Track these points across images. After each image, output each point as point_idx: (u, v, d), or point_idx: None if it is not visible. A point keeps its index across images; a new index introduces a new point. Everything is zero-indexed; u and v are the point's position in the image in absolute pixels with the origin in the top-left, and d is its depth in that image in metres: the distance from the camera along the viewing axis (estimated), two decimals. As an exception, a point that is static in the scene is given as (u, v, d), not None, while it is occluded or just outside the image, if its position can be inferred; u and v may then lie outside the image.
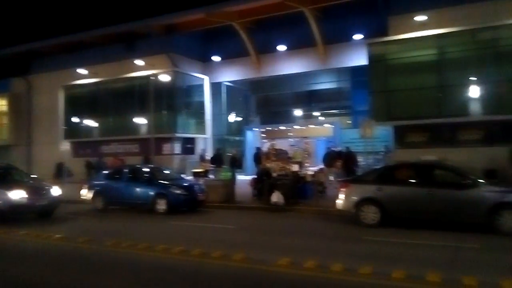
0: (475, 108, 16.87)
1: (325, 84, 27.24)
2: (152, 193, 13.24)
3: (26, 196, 11.97)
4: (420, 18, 18.17)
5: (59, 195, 13.04)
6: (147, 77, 23.20)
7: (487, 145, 16.28)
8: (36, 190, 12.66)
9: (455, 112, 17.00)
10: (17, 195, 11.89)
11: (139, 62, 23.75)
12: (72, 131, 27.25)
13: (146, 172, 14.41)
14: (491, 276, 5.99)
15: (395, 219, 10.00)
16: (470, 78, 16.99)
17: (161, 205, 13.04)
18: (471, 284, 5.68)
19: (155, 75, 22.54)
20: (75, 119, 27.03)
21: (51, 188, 12.97)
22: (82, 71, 26.47)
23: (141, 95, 23.98)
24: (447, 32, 17.59)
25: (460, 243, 8.32)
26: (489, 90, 16.69)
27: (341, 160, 17.19)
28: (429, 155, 15.14)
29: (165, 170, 15.95)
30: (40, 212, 12.60)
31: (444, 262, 7.04)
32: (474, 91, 16.74)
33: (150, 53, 24.24)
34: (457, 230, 9.23)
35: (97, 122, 26.26)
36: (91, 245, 8.87)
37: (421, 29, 18.17)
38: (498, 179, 12.03)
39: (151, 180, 13.75)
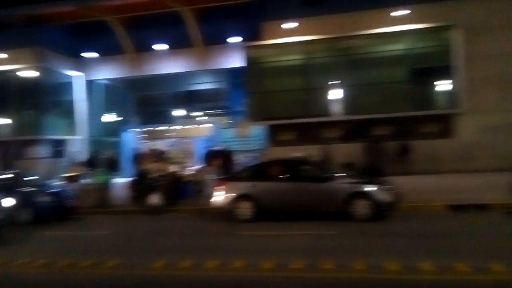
0: (336, 109, 18.93)
1: (205, 84, 27.55)
2: (12, 202, 11.93)
3: None
4: (290, 25, 19.57)
5: (13, 205, 10.80)
6: (8, 72, 20.78)
7: (346, 142, 18.37)
8: None
9: (319, 112, 18.86)
10: None
11: (-3, 55, 21.05)
12: None
13: (4, 179, 12.93)
14: (345, 259, 6.78)
15: (269, 213, 10.61)
16: (332, 82, 18.96)
17: (25, 215, 11.77)
18: (329, 268, 6.39)
19: (18, 70, 20.30)
20: None
21: (2, 198, 10.50)
22: None
23: (1, 93, 21.36)
24: (313, 39, 19.35)
25: (321, 231, 9.22)
26: (348, 93, 18.87)
27: (220, 159, 17.63)
28: (298, 152, 16.45)
29: (29, 175, 14.50)
30: None
31: (307, 249, 7.76)
32: (336, 94, 18.77)
33: (12, 46, 21.55)
34: (320, 219, 10.15)
35: None
36: None
37: (292, 35, 19.63)
38: (354, 172, 13.61)
39: (10, 188, 12.36)
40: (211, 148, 19.36)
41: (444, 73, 18.53)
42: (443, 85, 19.00)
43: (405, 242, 7.95)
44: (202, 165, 18.62)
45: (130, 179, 15.50)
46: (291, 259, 6.80)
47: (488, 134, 17.51)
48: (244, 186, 10.84)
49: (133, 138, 25.16)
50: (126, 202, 14.38)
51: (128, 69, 23.93)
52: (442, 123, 18.62)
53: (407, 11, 18.24)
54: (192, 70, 24.04)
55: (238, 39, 21.88)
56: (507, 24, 17.84)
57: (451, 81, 18.52)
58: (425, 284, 5.72)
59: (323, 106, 19.00)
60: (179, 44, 22.83)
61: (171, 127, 26.11)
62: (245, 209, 10.67)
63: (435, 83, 19.26)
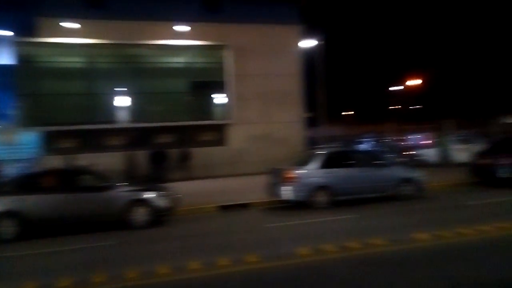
0: (121, 116, 18.78)
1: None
2: None
3: None
4: (71, 25, 18.37)
5: None
6: None
7: (130, 149, 18.41)
8: None
9: (103, 119, 18.37)
10: None
11: None
12: None
13: None
14: (119, 269, 6.74)
15: (41, 228, 9.77)
16: (117, 89, 18.74)
17: None
18: (100, 281, 6.27)
19: None
20: None
21: None
22: None
23: None
24: (96, 43, 18.67)
25: (98, 242, 8.98)
26: (132, 100, 18.98)
27: (-20, 171, 15.15)
28: (80, 160, 15.58)
29: None
30: None
31: (79, 264, 7.39)
32: (120, 101, 18.65)
33: None
34: (100, 230, 9.92)
35: None
36: None
37: (73, 35, 18.44)
38: (136, 179, 13.80)
39: None
40: (-33, 158, 16.40)
41: (218, 88, 20.77)
42: (218, 98, 21.30)
43: (178, 245, 8.53)
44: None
45: None
46: (57, 279, 6.39)
47: (252, 142, 20.60)
48: (7, 201, 9.72)
49: None
50: None
51: None
52: (217, 132, 20.85)
53: (188, 28, 19.62)
54: None
55: (8, 32, 19.18)
56: (267, 50, 21.36)
57: (224, 95, 20.89)
58: (196, 282, 6.16)
59: (107, 113, 18.59)
60: None
61: None
62: (8, 227, 9.54)
63: (211, 95, 21.38)
